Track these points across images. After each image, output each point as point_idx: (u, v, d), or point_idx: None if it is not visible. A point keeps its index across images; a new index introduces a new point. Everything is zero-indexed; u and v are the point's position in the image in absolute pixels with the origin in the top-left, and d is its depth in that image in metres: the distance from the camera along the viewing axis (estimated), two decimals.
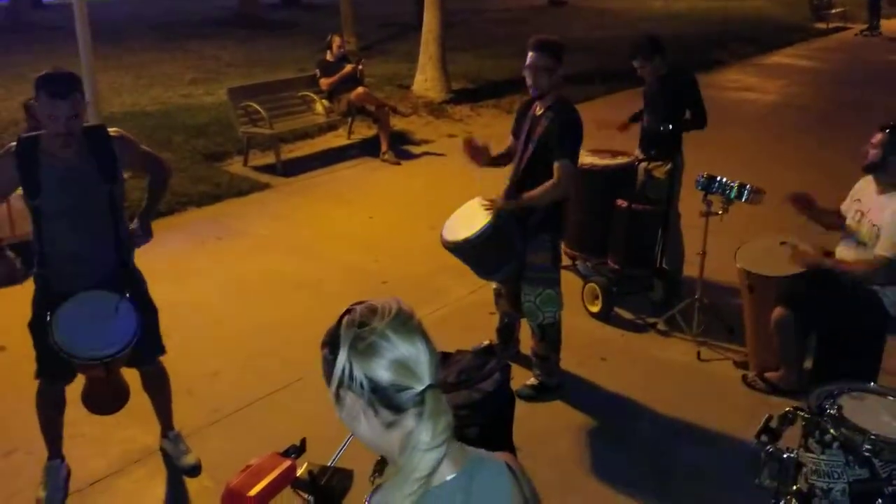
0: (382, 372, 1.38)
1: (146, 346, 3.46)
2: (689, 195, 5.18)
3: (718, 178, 4.60)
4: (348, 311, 1.45)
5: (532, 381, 4.43)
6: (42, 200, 3.20)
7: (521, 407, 4.10)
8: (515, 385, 4.25)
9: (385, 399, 1.39)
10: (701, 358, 4.74)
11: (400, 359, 1.38)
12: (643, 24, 18.30)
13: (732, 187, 4.54)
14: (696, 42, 16.50)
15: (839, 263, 4.05)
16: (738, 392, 4.36)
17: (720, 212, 4.61)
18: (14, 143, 3.26)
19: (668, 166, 5.21)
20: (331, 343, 1.44)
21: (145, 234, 3.56)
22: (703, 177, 4.67)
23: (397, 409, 1.39)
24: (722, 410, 4.17)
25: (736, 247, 4.54)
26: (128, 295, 3.35)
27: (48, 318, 3.19)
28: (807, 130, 10.12)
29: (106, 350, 3.20)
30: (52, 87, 3.08)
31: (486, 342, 4.54)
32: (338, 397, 1.43)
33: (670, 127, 5.07)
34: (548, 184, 4.00)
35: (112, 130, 3.39)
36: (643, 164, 5.39)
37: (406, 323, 1.42)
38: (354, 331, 1.40)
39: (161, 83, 12.16)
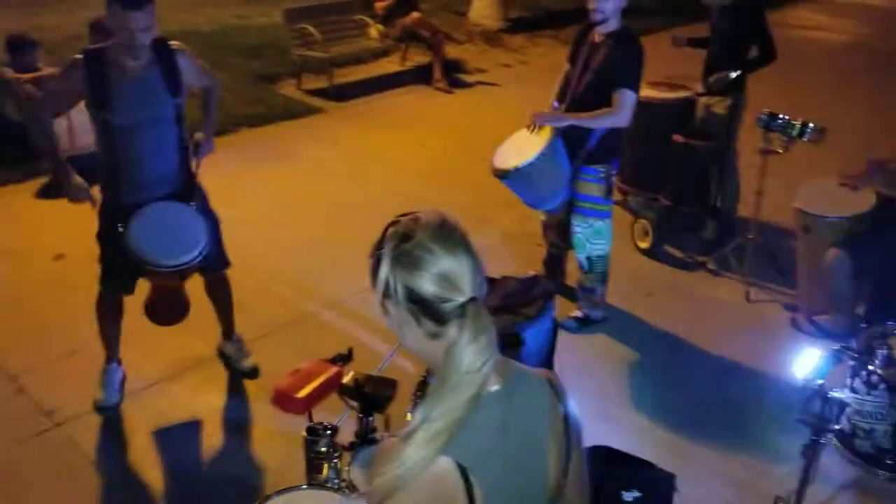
0: (425, 284, 1.39)
1: (214, 254, 3.55)
2: (749, 135, 5.03)
3: (780, 116, 4.46)
4: (393, 223, 1.46)
5: (576, 312, 4.44)
6: (111, 113, 3.22)
7: (563, 338, 4.12)
8: (560, 317, 4.29)
9: (427, 310, 1.40)
10: (750, 299, 4.68)
11: (442, 271, 1.39)
12: None
13: (795, 125, 4.39)
14: None
15: None
16: (786, 334, 4.31)
17: (780, 150, 4.48)
18: (80, 56, 3.26)
19: (729, 101, 5.06)
20: (376, 254, 1.45)
21: (208, 145, 3.62)
22: (764, 114, 4.53)
23: (440, 320, 1.41)
24: (768, 351, 4.12)
25: (794, 187, 4.43)
26: (193, 205, 3.42)
27: (121, 229, 3.21)
28: (874, 73, 9.69)
29: (182, 258, 3.25)
30: None
31: (532, 273, 4.54)
32: (383, 307, 1.46)
33: (739, 72, 4.90)
34: (605, 109, 3.91)
35: (174, 44, 3.40)
36: (703, 99, 5.23)
37: (450, 235, 1.43)
38: (398, 243, 1.42)
39: (214, 2, 12.07)
